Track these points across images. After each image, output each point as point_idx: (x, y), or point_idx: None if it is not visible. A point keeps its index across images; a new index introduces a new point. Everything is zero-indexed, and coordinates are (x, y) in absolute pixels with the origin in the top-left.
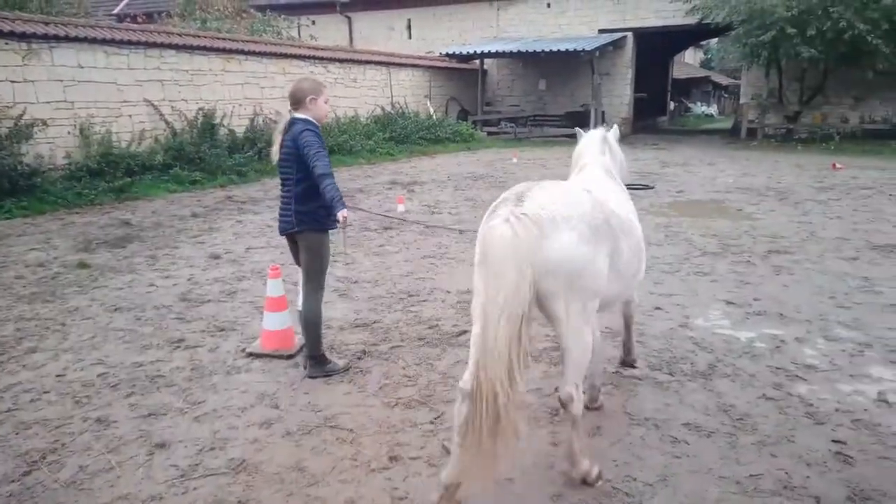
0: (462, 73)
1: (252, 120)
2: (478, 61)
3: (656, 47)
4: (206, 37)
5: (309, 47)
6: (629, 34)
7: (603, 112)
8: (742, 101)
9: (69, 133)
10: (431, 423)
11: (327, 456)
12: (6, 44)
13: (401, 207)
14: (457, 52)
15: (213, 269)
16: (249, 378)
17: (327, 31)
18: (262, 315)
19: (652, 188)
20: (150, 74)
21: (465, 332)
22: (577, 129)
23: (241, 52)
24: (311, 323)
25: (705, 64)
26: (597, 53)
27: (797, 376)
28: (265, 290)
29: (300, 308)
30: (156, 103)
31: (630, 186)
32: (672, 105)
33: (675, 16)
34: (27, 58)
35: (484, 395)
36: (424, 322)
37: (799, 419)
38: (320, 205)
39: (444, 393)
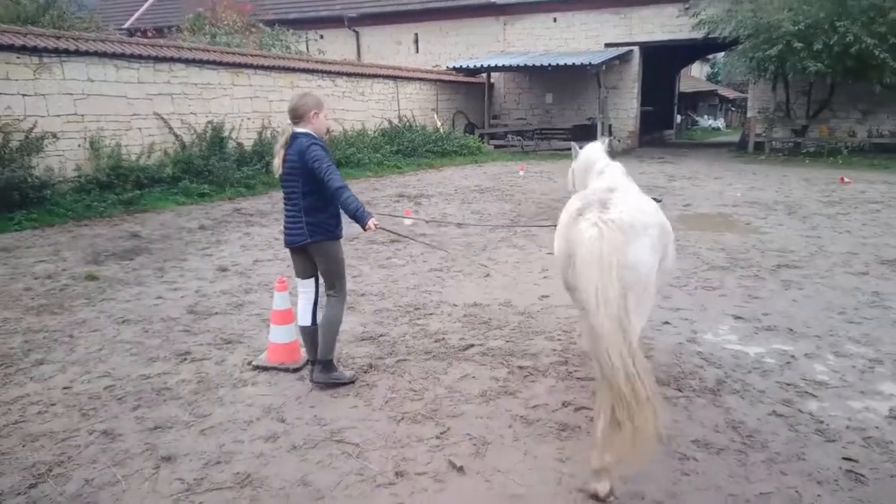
0: (469, 86)
1: (260, 133)
2: (484, 75)
3: (663, 61)
4: (215, 51)
5: (317, 61)
6: (635, 48)
7: (610, 125)
8: (749, 114)
9: (79, 146)
10: (437, 437)
11: (333, 471)
12: (18, 58)
13: (408, 220)
14: (464, 66)
15: (221, 282)
16: (255, 391)
17: (335, 45)
18: (269, 328)
19: (659, 201)
20: (159, 88)
21: (471, 345)
22: (573, 144)
23: (250, 66)
24: (332, 327)
25: (712, 77)
26: (603, 67)
27: (807, 393)
28: (272, 303)
29: (300, 323)
30: (165, 116)
31: None
32: (679, 118)
33: (681, 30)
34: (39, 72)
35: (617, 372)
36: (431, 336)
37: (809, 436)
38: (329, 215)
39: (451, 408)
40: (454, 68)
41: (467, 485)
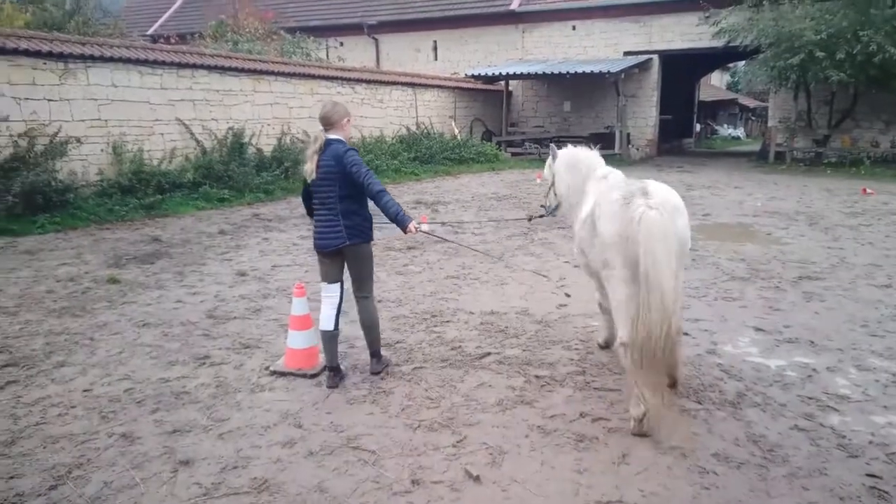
0: (487, 94)
1: (279, 139)
2: (503, 82)
3: (682, 69)
4: (237, 58)
5: (337, 68)
6: (655, 56)
7: (628, 134)
8: (770, 123)
9: (102, 151)
10: (454, 446)
11: (349, 478)
12: (44, 63)
13: (424, 227)
14: (482, 74)
15: (240, 287)
16: (273, 396)
17: (355, 52)
18: (287, 333)
19: None
20: (182, 94)
21: (488, 354)
22: (551, 145)
23: (271, 72)
24: (374, 324)
25: (732, 86)
26: (622, 75)
27: (829, 407)
28: (290, 309)
29: (322, 327)
30: (187, 122)
31: None
32: (698, 127)
33: (701, 38)
34: (64, 77)
35: (660, 330)
36: (447, 343)
37: (831, 451)
38: (364, 218)
39: (467, 416)
40: (472, 76)
41: (484, 494)
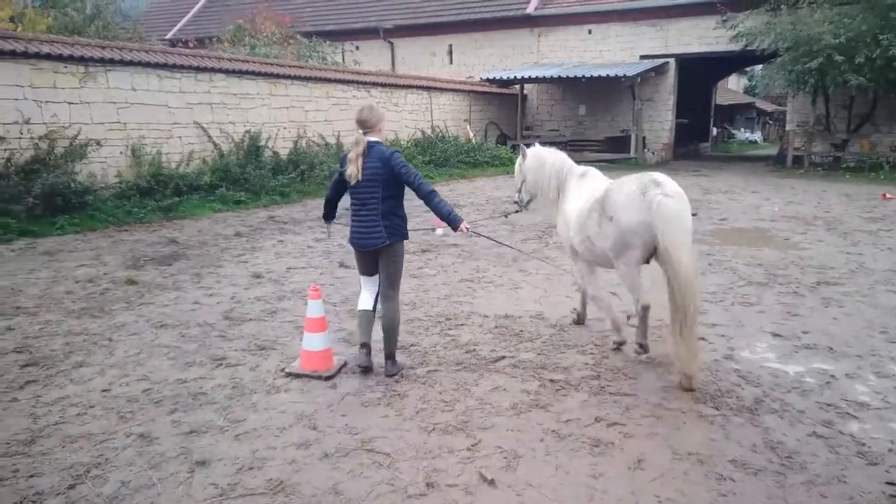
0: (502, 97)
1: (296, 142)
2: (518, 86)
3: (699, 73)
4: (254, 62)
5: (352, 72)
6: (671, 60)
7: (644, 137)
8: (788, 128)
9: (121, 153)
10: (468, 449)
11: (364, 480)
12: (65, 67)
13: (439, 230)
14: (497, 77)
15: (255, 288)
16: (288, 398)
17: (370, 56)
18: (302, 335)
19: (695, 215)
20: (200, 97)
21: (502, 357)
22: (521, 144)
23: (288, 76)
24: (395, 326)
25: (749, 90)
26: (638, 79)
27: (848, 413)
28: (305, 311)
29: (361, 307)
30: (204, 125)
31: None
32: (715, 131)
33: (718, 42)
34: (84, 80)
35: (693, 297)
36: (462, 346)
37: (850, 458)
38: (401, 217)
39: (482, 419)
40: (487, 79)
41: (498, 498)
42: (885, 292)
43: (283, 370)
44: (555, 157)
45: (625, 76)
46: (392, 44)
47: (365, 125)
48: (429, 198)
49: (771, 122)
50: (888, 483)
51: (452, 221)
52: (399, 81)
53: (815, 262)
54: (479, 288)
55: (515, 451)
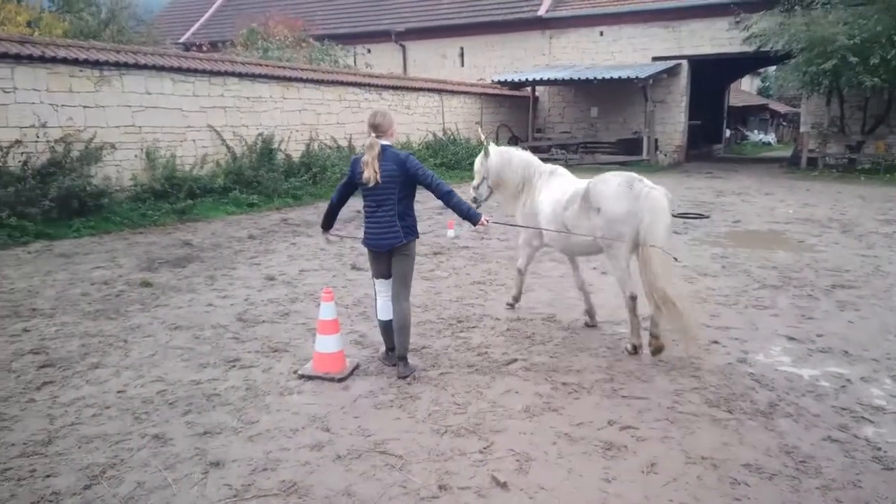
0: (513, 99)
1: (308, 145)
2: (529, 88)
3: (712, 74)
4: (267, 65)
5: (364, 75)
6: (684, 62)
7: (656, 139)
8: (802, 129)
9: (136, 156)
10: (481, 452)
11: (376, 482)
12: (80, 71)
13: (451, 233)
14: (508, 80)
15: (268, 291)
16: (301, 400)
17: (382, 59)
18: (315, 337)
19: (707, 217)
20: (213, 101)
21: (514, 360)
22: (486, 139)
23: (300, 79)
24: (407, 326)
25: (763, 91)
26: (650, 81)
27: (864, 418)
28: (317, 313)
29: (383, 318)
30: (218, 129)
31: (684, 215)
32: (728, 133)
33: (731, 44)
34: (99, 84)
35: (668, 281)
36: (474, 349)
37: (866, 463)
38: (413, 217)
39: (494, 422)
40: (499, 82)
41: (510, 501)
42: None
43: (295, 372)
44: (521, 156)
45: (637, 78)
46: (403, 46)
47: (378, 129)
48: (447, 197)
49: (785, 123)
50: None
51: (472, 217)
52: (411, 84)
53: (829, 264)
54: (491, 290)
55: (528, 454)
